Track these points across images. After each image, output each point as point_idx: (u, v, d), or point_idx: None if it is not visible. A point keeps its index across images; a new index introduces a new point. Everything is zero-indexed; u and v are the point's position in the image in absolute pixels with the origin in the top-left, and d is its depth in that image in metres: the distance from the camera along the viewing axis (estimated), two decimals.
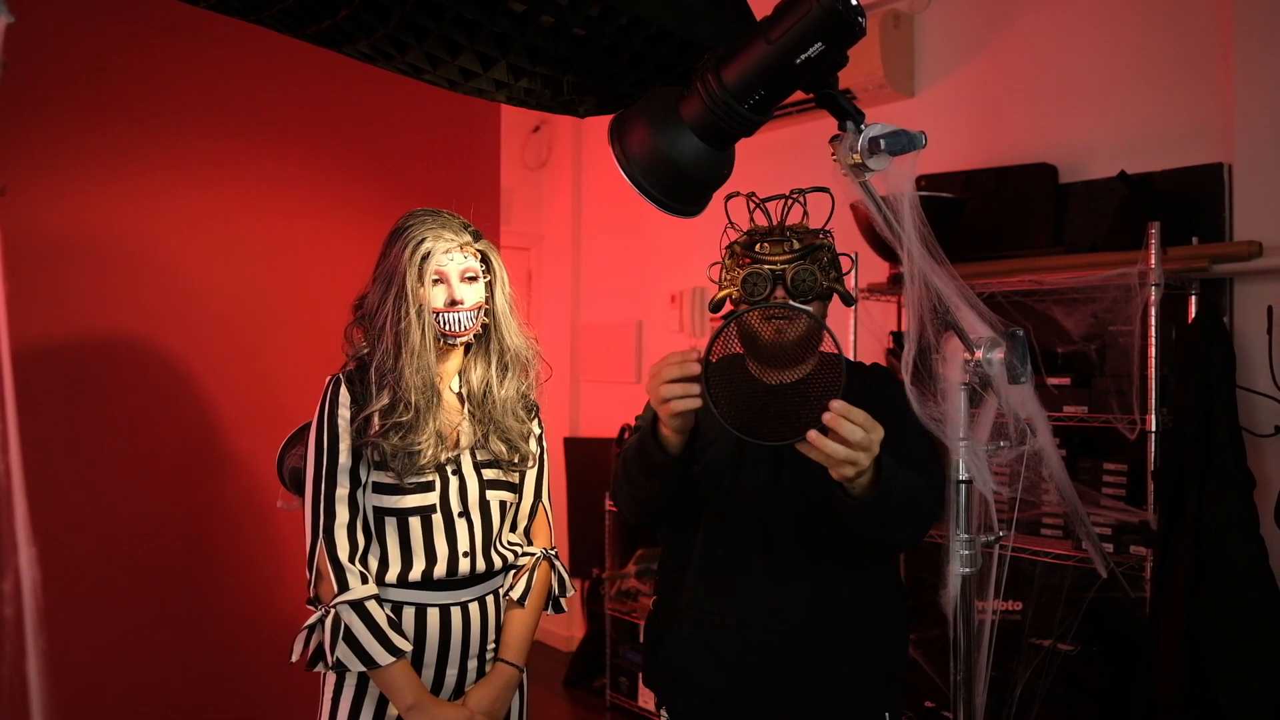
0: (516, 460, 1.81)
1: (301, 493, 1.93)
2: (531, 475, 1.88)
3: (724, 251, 1.73)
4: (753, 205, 1.73)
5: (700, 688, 1.65)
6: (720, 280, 1.73)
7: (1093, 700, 2.63)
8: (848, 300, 1.71)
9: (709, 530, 1.68)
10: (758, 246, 1.66)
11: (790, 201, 1.71)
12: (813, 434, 1.29)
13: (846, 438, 1.29)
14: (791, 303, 1.54)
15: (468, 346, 1.79)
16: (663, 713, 1.76)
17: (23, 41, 2.39)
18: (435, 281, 1.70)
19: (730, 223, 1.73)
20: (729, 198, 1.71)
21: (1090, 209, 3.06)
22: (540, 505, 1.91)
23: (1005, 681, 2.16)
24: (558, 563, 1.91)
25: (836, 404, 1.29)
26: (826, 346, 1.38)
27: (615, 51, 1.39)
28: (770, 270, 1.63)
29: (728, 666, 1.62)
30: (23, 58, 2.40)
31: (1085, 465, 2.84)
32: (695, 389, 1.39)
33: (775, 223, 1.70)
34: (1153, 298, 2.55)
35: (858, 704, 1.63)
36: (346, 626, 1.60)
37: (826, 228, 1.71)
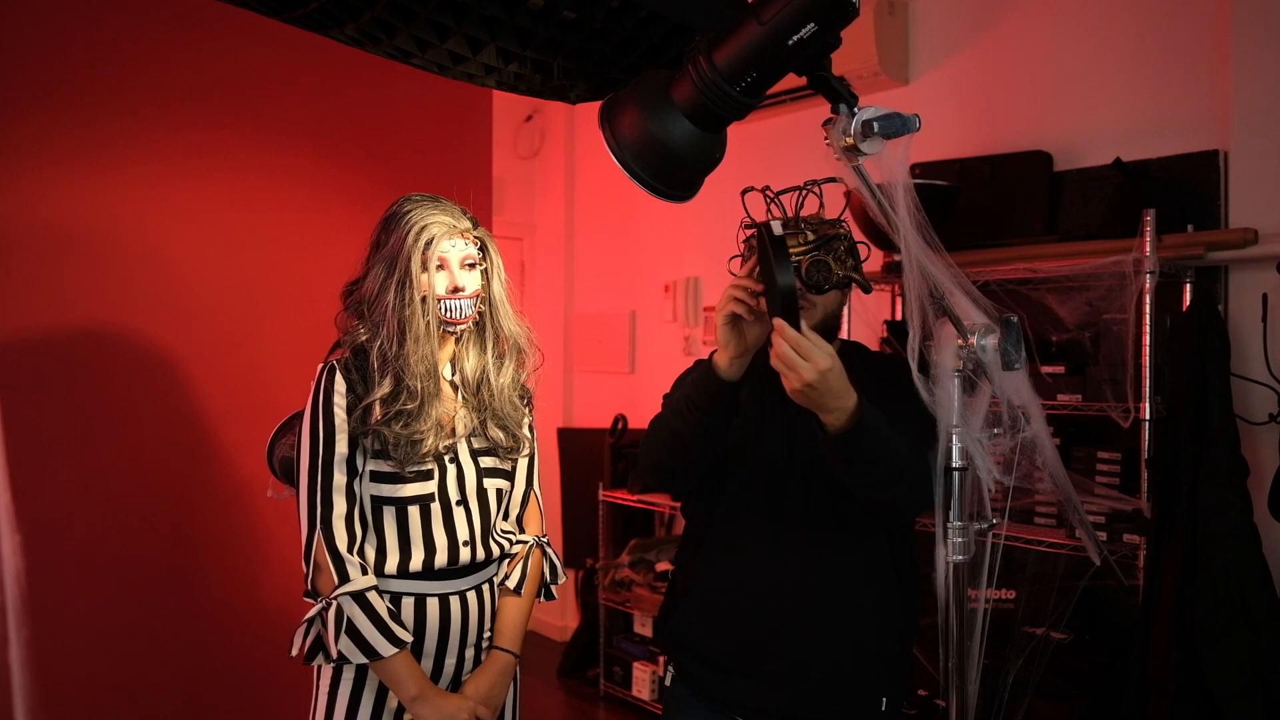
0: (513, 447, 1.80)
1: (292, 482, 1.92)
2: (523, 464, 1.87)
3: (742, 246, 1.78)
4: (769, 199, 1.75)
5: (704, 653, 1.75)
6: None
7: (1085, 688, 2.63)
8: (865, 288, 1.77)
9: (725, 506, 1.76)
10: None
11: (804, 193, 1.73)
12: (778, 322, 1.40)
13: (775, 349, 1.40)
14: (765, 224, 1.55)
15: (458, 334, 1.77)
16: (669, 670, 1.86)
17: (11, 32, 2.37)
18: (438, 268, 1.68)
19: (748, 216, 1.76)
20: (745, 192, 1.76)
21: (1085, 196, 3.05)
22: (532, 493, 1.90)
23: (998, 669, 2.16)
24: (550, 550, 1.92)
25: (776, 322, 1.40)
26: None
27: (606, 36, 1.38)
28: None
29: (729, 635, 1.72)
30: (10, 48, 2.38)
31: (1079, 453, 2.83)
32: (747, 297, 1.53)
33: (790, 215, 1.74)
34: (1147, 285, 2.54)
35: (852, 681, 1.69)
36: (349, 619, 1.58)
37: (841, 217, 1.75)
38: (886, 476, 1.51)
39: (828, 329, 1.73)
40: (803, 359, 1.37)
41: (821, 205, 1.76)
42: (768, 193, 1.75)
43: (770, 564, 1.71)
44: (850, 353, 1.81)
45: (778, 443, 1.74)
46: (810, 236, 1.68)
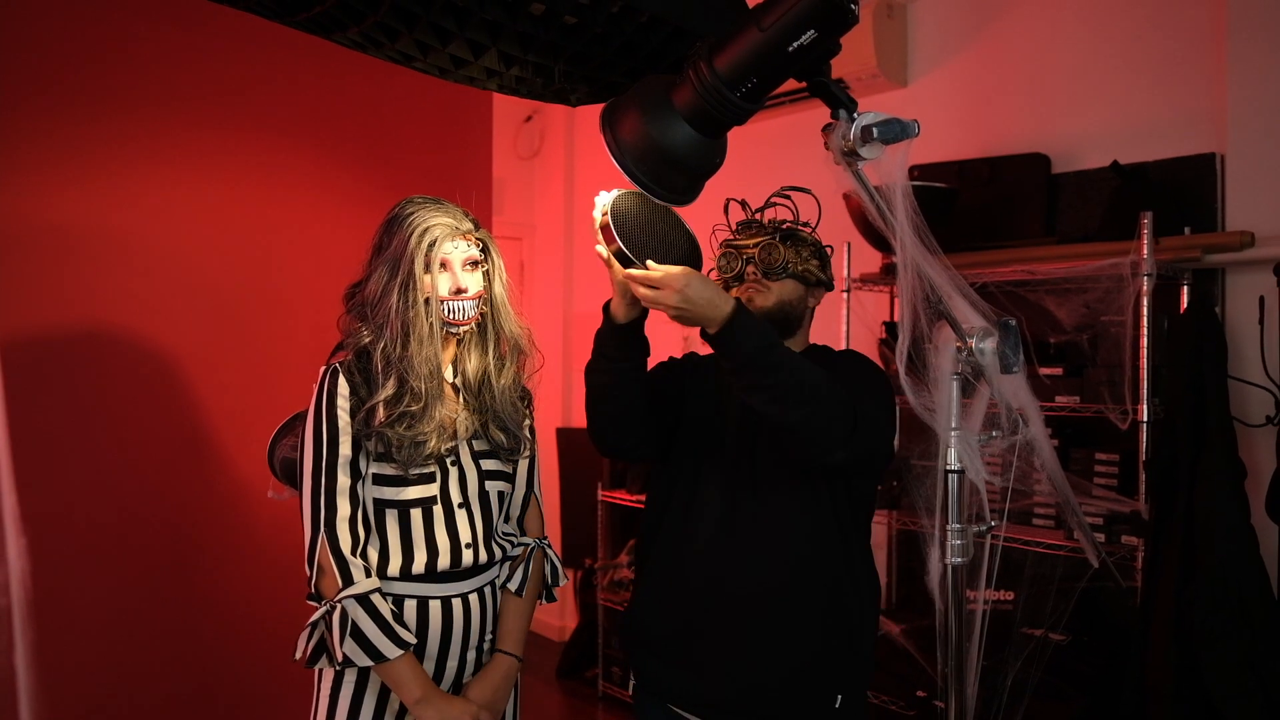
0: (514, 449, 1.81)
1: (293, 483, 1.92)
2: (523, 465, 1.87)
3: (717, 250, 1.87)
4: (751, 212, 1.86)
5: (655, 646, 1.78)
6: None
7: (1084, 689, 2.64)
8: (828, 286, 1.86)
9: (678, 504, 1.79)
10: (736, 236, 1.84)
11: (772, 200, 1.84)
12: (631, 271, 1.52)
13: (636, 287, 1.53)
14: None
15: (460, 336, 1.78)
16: (632, 680, 1.86)
17: (13, 31, 2.38)
18: (440, 269, 1.69)
19: (728, 224, 1.87)
20: (726, 204, 1.87)
21: (1083, 199, 3.06)
22: (532, 495, 1.91)
23: (996, 671, 2.17)
24: (550, 552, 1.92)
25: (630, 271, 1.53)
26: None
27: (607, 40, 1.39)
28: (740, 248, 1.80)
29: (677, 626, 1.74)
30: (13, 47, 2.38)
31: (1077, 455, 2.84)
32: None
33: (753, 218, 1.86)
34: (1145, 288, 2.55)
35: (802, 676, 1.70)
36: (353, 621, 1.58)
37: (807, 221, 1.84)
38: (785, 391, 1.51)
39: (786, 319, 1.79)
40: (658, 289, 1.48)
41: (796, 215, 1.84)
42: (747, 209, 1.86)
43: (718, 554, 1.73)
44: (812, 355, 1.85)
45: (728, 435, 1.78)
46: (767, 231, 1.80)
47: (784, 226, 1.80)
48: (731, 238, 1.84)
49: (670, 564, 1.78)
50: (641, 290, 1.51)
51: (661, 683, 1.78)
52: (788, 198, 1.83)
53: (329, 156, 2.99)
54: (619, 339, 1.68)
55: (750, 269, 1.77)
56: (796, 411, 1.52)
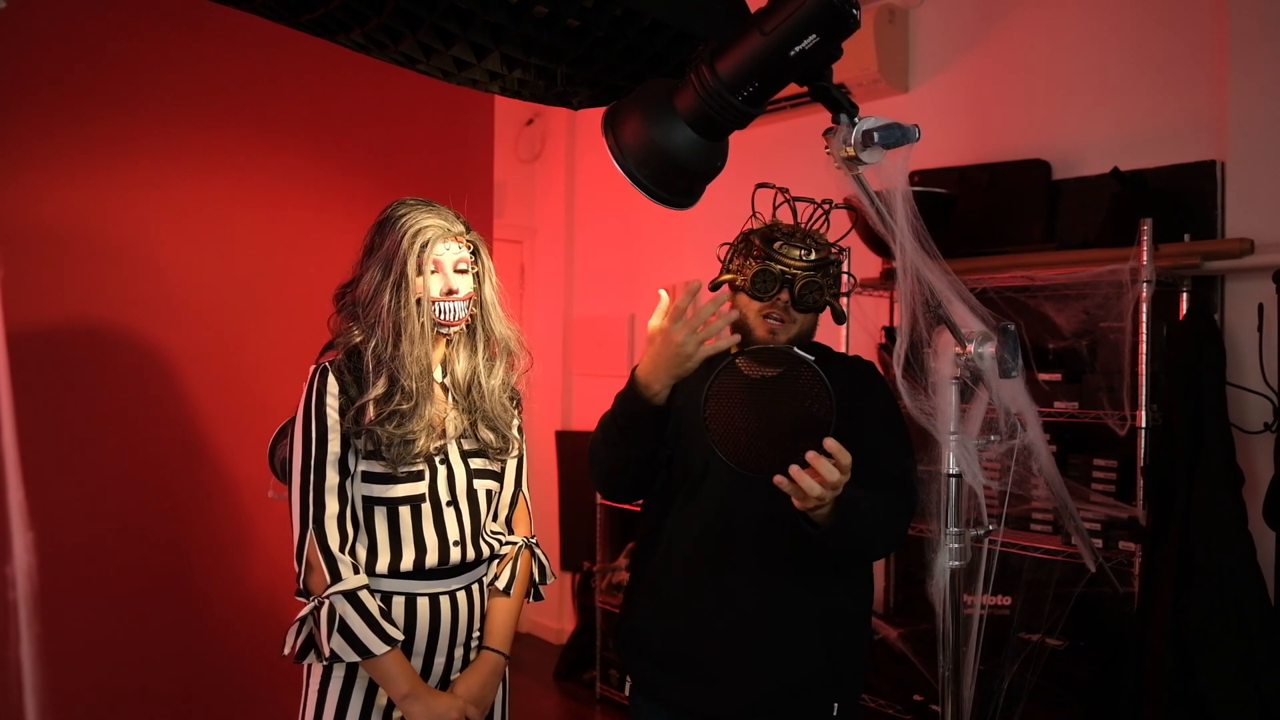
0: (503, 449, 1.82)
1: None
2: (512, 464, 1.88)
3: (740, 236, 1.77)
4: (779, 201, 1.76)
5: (657, 654, 1.77)
6: (726, 261, 1.78)
7: (1080, 694, 2.64)
8: (839, 317, 1.78)
9: (678, 512, 1.78)
10: (777, 244, 1.69)
11: (818, 211, 1.75)
12: (794, 469, 1.37)
13: (825, 477, 1.37)
14: (790, 349, 1.56)
15: (450, 336, 1.79)
16: (628, 681, 1.87)
17: (14, 30, 2.38)
18: (432, 271, 1.70)
19: (754, 213, 1.77)
20: (759, 186, 1.77)
21: (1083, 205, 3.07)
22: (521, 494, 1.92)
23: (993, 675, 2.17)
24: (538, 550, 1.93)
25: (830, 443, 1.37)
26: (814, 387, 1.45)
27: (609, 43, 1.39)
28: (781, 271, 1.67)
29: (682, 638, 1.73)
30: (13, 47, 2.39)
31: (1075, 461, 2.85)
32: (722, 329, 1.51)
33: (799, 224, 1.75)
34: (1144, 294, 2.56)
35: (803, 693, 1.71)
36: (341, 617, 1.60)
37: (843, 244, 1.77)
38: (871, 542, 1.61)
39: (802, 348, 1.75)
40: (843, 474, 1.40)
41: (827, 224, 1.77)
42: (784, 194, 1.76)
43: (721, 579, 1.72)
44: (816, 353, 1.83)
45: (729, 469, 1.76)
46: (813, 255, 1.69)
47: (822, 250, 1.71)
48: (768, 237, 1.72)
49: (668, 572, 1.78)
50: (828, 467, 1.37)
51: (659, 688, 1.78)
52: (825, 212, 1.75)
53: (331, 158, 3.00)
54: (656, 418, 1.62)
55: (783, 294, 1.68)
56: (869, 551, 1.69)
